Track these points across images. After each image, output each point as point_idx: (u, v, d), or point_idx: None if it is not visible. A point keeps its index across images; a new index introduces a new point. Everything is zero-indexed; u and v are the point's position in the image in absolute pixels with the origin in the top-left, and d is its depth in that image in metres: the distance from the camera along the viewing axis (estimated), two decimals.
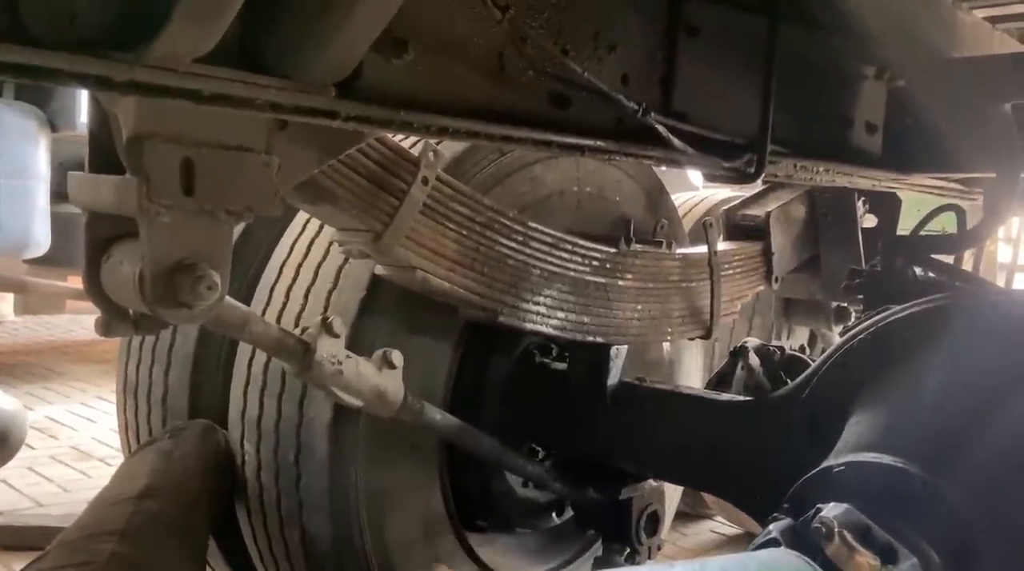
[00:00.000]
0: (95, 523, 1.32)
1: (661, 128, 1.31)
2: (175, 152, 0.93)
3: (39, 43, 0.75)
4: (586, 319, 1.69)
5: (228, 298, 1.08)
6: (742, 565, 0.91)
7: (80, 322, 6.01)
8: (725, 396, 1.65)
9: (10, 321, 6.20)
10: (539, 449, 1.81)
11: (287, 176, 1.07)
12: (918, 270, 1.73)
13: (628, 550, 1.78)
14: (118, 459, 1.78)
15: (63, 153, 3.89)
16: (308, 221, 1.64)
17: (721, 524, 3.10)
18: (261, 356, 1.56)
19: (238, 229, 1.70)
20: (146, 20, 0.78)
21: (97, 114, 1.00)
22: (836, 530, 0.99)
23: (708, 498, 2.78)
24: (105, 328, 1.04)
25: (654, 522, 1.81)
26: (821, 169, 1.71)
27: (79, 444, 3.54)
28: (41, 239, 3.85)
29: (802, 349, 2.42)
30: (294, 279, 1.59)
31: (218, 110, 0.89)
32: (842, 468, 1.15)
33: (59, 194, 3.76)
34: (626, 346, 1.77)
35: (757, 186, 2.31)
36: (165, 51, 0.80)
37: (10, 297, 5.99)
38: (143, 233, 0.94)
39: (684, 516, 3.01)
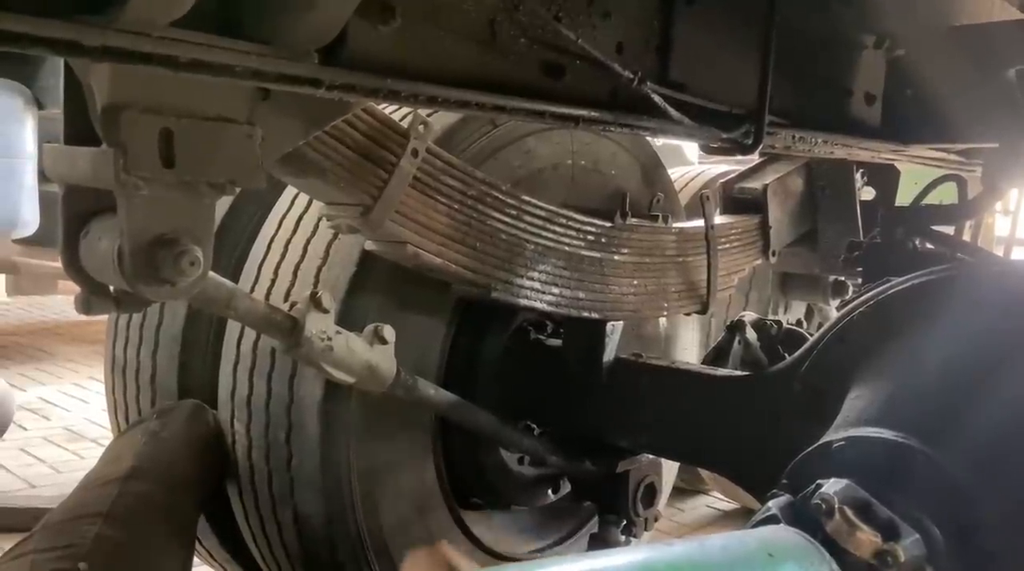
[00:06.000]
0: (80, 505, 1.30)
1: (657, 98, 1.27)
2: (153, 122, 0.89)
3: (4, 6, 0.71)
4: (581, 294, 1.66)
5: (212, 274, 1.05)
6: (742, 543, 0.90)
7: (72, 302, 5.96)
8: (722, 371, 1.63)
9: (1, 302, 6.16)
10: (534, 426, 1.79)
11: (271, 148, 1.03)
12: (918, 242, 1.71)
13: (624, 522, 1.77)
14: (110, 440, 1.76)
15: (50, 131, 3.83)
16: (296, 196, 1.60)
17: (717, 499, 3.10)
18: (250, 335, 1.53)
19: (224, 204, 1.69)
20: None
21: (71, 83, 0.96)
22: (836, 506, 0.97)
23: (704, 473, 2.78)
24: (85, 306, 1.01)
25: (651, 494, 1.80)
26: (819, 140, 1.68)
27: (71, 425, 3.52)
28: (30, 219, 3.79)
29: (799, 323, 2.41)
30: (283, 255, 1.55)
31: (197, 78, 0.85)
32: (842, 443, 1.13)
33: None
34: (622, 322, 1.75)
35: (754, 159, 2.28)
36: (138, 14, 0.76)
37: (1, 278, 5.94)
38: (121, 207, 0.91)
39: (680, 491, 3.02)
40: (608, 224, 1.72)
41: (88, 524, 1.24)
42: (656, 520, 1.85)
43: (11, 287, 5.95)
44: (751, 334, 1.74)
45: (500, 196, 1.52)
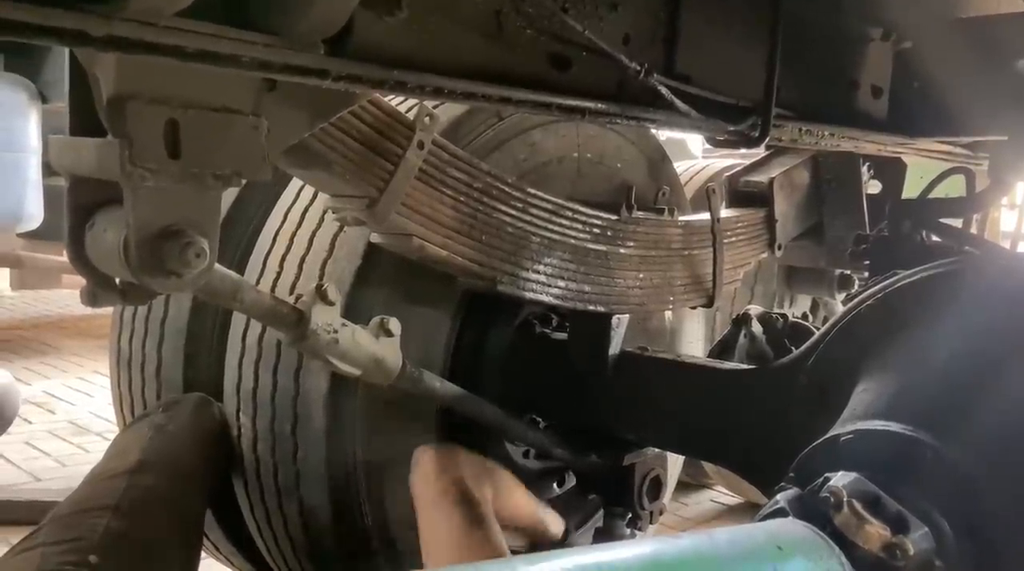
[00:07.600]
0: (88, 498, 1.30)
1: (664, 90, 1.27)
2: (159, 113, 0.89)
3: None
4: (587, 288, 1.66)
5: (218, 266, 1.05)
6: (750, 536, 0.89)
7: (76, 297, 5.96)
8: (728, 365, 1.63)
9: (6, 296, 6.18)
10: (539, 419, 1.79)
11: (277, 139, 1.03)
12: (925, 235, 1.70)
13: (629, 515, 1.77)
14: (115, 433, 1.76)
15: (55, 125, 3.83)
16: (302, 188, 1.60)
17: (721, 494, 3.10)
18: (255, 328, 1.53)
19: (230, 196, 1.68)
20: None
21: (77, 74, 0.96)
22: (845, 499, 0.96)
23: (708, 468, 2.78)
24: (91, 298, 1.01)
25: (657, 487, 1.80)
26: (826, 133, 1.68)
27: (76, 419, 3.53)
28: (34, 213, 3.80)
29: (804, 317, 2.40)
30: (288, 248, 1.55)
31: (203, 68, 0.85)
32: (850, 436, 1.12)
33: (51, 167, 3.70)
34: (627, 315, 1.75)
35: (760, 152, 2.27)
36: (144, 4, 0.76)
37: (5, 272, 5.96)
38: (127, 198, 0.90)
39: (685, 486, 3.01)
40: (614, 217, 1.72)
41: (97, 517, 1.24)
42: (661, 513, 1.85)
43: (15, 281, 5.96)
44: (757, 328, 1.73)
45: (506, 189, 1.51)
